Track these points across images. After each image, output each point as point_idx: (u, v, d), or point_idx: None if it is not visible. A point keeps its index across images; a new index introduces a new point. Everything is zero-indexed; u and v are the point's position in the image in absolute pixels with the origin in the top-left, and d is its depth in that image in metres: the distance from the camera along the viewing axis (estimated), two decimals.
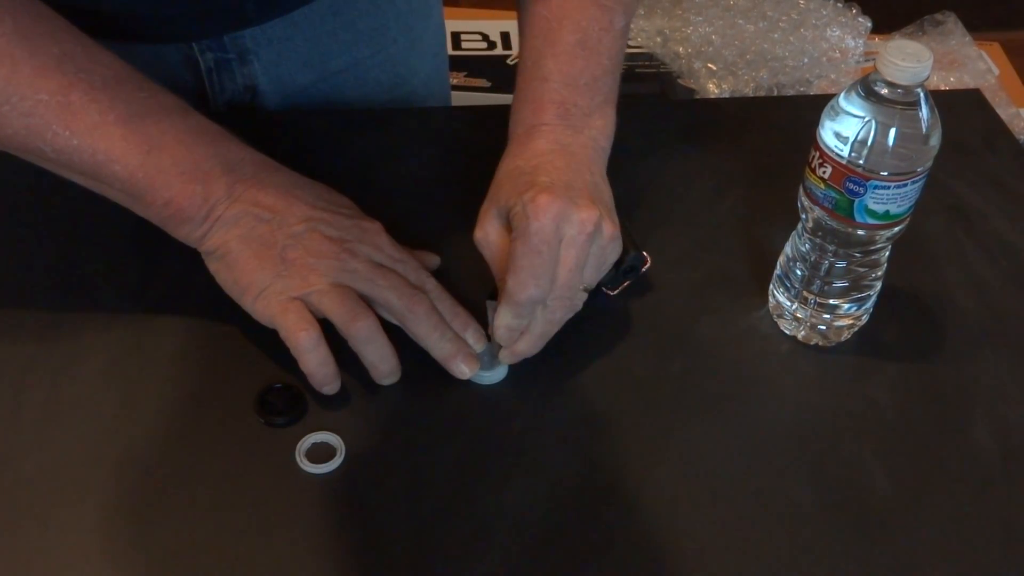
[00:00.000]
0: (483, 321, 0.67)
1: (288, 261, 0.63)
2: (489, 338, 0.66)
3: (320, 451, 0.62)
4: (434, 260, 0.72)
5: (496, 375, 0.66)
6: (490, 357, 0.66)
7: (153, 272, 0.72)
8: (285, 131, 0.84)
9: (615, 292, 0.71)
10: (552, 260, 0.62)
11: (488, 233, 0.65)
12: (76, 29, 0.63)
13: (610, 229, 0.65)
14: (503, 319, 0.63)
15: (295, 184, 0.67)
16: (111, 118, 0.60)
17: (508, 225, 0.64)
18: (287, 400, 0.64)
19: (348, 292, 0.63)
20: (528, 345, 0.65)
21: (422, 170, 0.82)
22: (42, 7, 0.62)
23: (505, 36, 1.78)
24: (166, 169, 0.62)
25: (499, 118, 0.73)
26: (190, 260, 0.73)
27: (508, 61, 1.73)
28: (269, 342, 0.66)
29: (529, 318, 0.63)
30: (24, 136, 0.61)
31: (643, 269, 0.72)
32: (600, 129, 0.70)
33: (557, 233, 0.62)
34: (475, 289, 0.69)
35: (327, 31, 0.86)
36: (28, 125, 0.60)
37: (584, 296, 0.66)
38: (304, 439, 0.62)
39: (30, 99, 0.59)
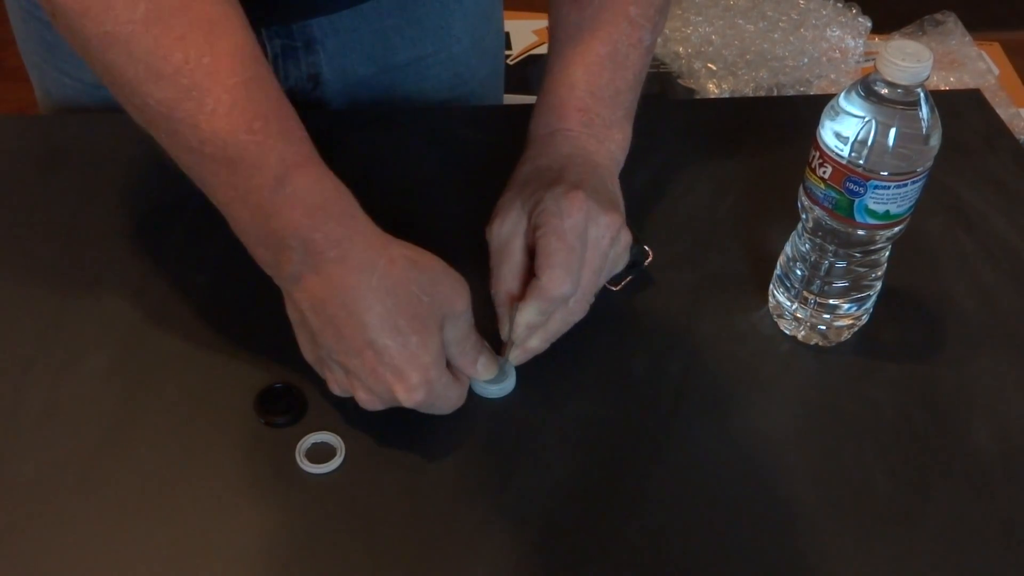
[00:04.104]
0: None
1: (326, 367, 0.61)
2: (499, 352, 0.65)
3: (320, 451, 0.62)
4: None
5: (505, 388, 0.66)
6: (499, 370, 0.65)
7: (153, 272, 0.72)
8: None
9: (618, 288, 0.72)
10: (582, 257, 0.62)
11: (504, 225, 0.65)
12: (223, 29, 0.56)
13: (627, 237, 0.66)
14: (528, 316, 0.62)
15: (364, 288, 0.58)
16: (208, 150, 0.56)
17: (526, 222, 0.64)
18: (287, 400, 0.64)
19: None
20: (540, 341, 0.65)
21: (423, 169, 0.82)
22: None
23: (505, 36, 1.78)
24: (243, 227, 0.59)
25: (499, 118, 0.73)
26: (190, 260, 0.73)
27: (508, 61, 1.73)
28: (269, 342, 0.66)
29: (549, 316, 0.63)
30: (138, 120, 0.58)
31: (645, 263, 0.72)
32: (618, 142, 0.71)
33: (586, 232, 0.62)
34: (479, 289, 0.68)
35: (393, 25, 0.86)
36: (138, 116, 0.58)
37: (592, 299, 0.66)
38: (304, 439, 0.62)
39: (140, 97, 0.56)
